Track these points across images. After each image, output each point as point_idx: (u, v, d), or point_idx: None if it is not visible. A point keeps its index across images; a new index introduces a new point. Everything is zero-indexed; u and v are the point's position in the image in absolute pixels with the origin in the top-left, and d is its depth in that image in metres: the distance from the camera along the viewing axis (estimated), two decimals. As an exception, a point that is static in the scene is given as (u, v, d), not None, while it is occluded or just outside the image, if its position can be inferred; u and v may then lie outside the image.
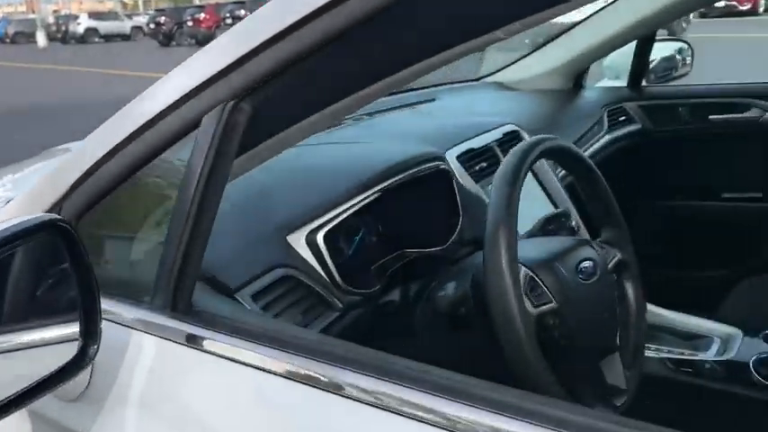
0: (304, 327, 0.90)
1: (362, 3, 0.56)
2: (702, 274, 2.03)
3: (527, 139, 1.60)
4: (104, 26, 29.06)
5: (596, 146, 1.86)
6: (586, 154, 1.82)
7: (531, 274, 0.91)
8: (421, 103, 1.85)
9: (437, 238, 1.21)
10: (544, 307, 0.89)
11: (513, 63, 2.18)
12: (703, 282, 2.00)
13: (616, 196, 2.16)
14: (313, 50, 0.61)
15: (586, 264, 0.97)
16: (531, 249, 0.97)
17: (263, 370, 0.64)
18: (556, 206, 1.48)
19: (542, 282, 0.91)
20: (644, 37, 2.01)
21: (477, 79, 2.24)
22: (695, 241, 2.07)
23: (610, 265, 1.04)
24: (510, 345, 0.82)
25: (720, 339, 1.32)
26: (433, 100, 1.90)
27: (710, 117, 1.98)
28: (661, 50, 2.19)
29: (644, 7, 1.84)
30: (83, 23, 28.93)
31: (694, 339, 1.36)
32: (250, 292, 0.86)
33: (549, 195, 1.50)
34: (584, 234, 1.36)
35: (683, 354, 1.28)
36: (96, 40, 28.03)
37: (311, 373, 0.61)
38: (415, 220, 1.24)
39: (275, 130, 0.74)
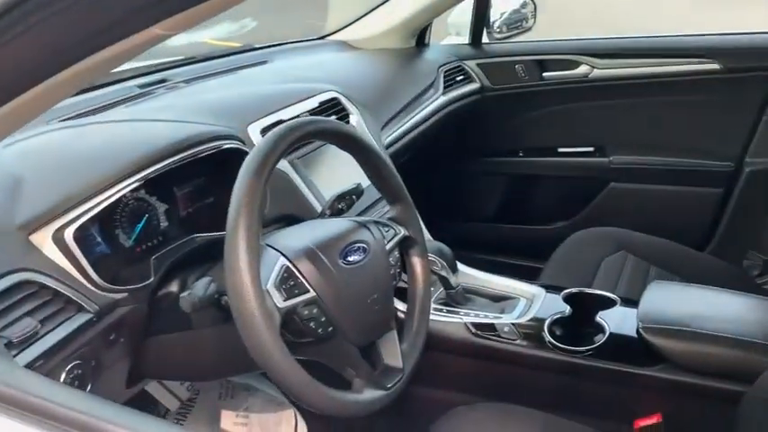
0: (45, 334, 0.84)
1: None
2: (540, 228, 2.10)
3: (347, 106, 1.56)
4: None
5: (431, 107, 1.86)
6: (422, 115, 1.82)
7: (288, 264, 0.88)
8: (249, 66, 1.76)
9: None
10: (299, 298, 0.87)
11: (357, 20, 2.12)
12: (540, 235, 2.07)
13: (455, 155, 2.19)
14: None
15: (356, 246, 0.96)
16: (294, 238, 0.94)
17: None
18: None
19: (300, 272, 0.88)
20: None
21: (322, 37, 2.18)
22: (534, 196, 2.13)
23: (392, 243, 1.03)
24: (250, 341, 0.79)
25: (525, 300, 1.37)
26: (265, 62, 1.82)
27: (544, 74, 2.01)
28: (506, 5, 2.19)
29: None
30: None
31: (503, 301, 1.40)
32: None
33: None
34: None
35: (486, 317, 1.31)
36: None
37: None
38: (207, 202, 1.19)
39: None
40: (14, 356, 0.79)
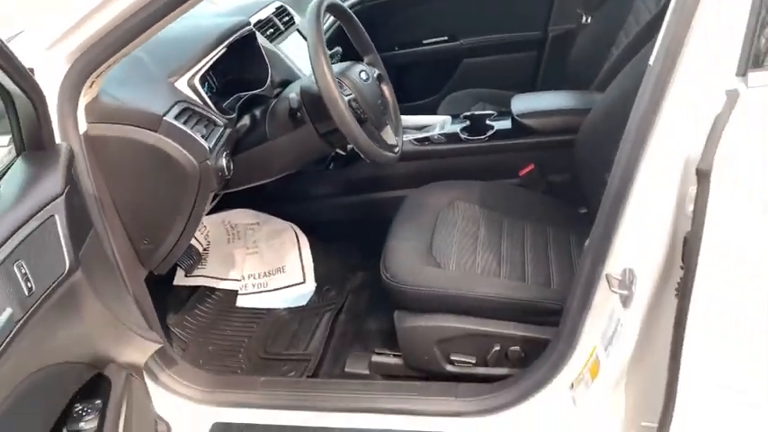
0: (209, 135, 1.39)
1: None
2: (419, 103, 2.84)
3: (290, 11, 2.16)
4: None
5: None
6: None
7: (338, 78, 1.50)
8: None
9: (258, 82, 1.73)
10: (350, 96, 1.50)
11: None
12: (420, 106, 2.81)
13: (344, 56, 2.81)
14: None
15: (362, 74, 1.59)
16: (334, 68, 1.55)
17: None
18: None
19: (341, 81, 1.51)
20: None
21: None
22: (410, 80, 2.86)
23: (375, 76, 1.68)
24: (337, 115, 1.41)
25: (439, 124, 2.10)
26: None
27: (407, -16, 2.72)
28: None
29: None
30: None
31: (427, 127, 2.11)
32: (172, 115, 1.32)
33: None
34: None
35: (421, 135, 2.02)
36: None
37: None
38: (235, 74, 1.74)
39: None
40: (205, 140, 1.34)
